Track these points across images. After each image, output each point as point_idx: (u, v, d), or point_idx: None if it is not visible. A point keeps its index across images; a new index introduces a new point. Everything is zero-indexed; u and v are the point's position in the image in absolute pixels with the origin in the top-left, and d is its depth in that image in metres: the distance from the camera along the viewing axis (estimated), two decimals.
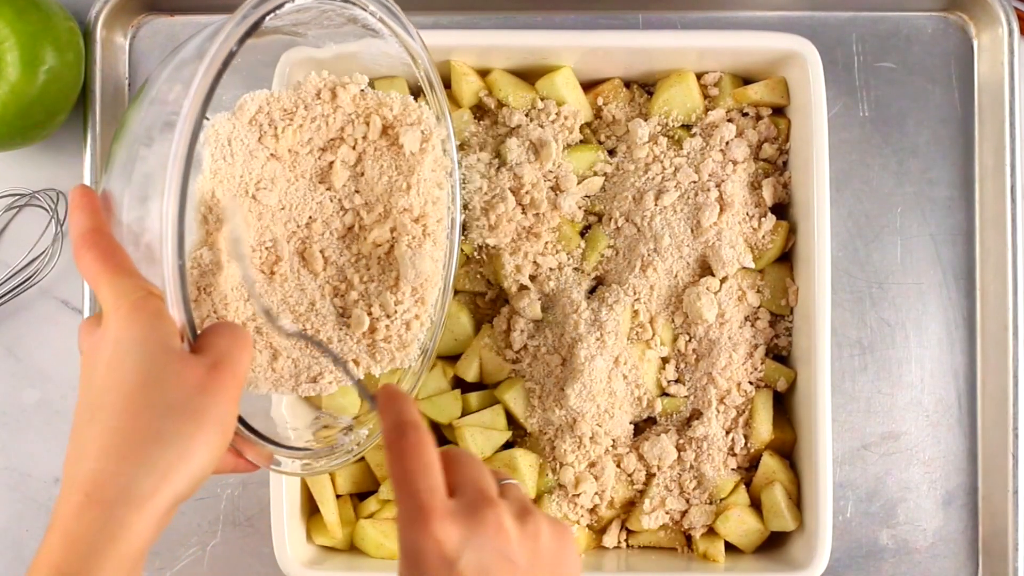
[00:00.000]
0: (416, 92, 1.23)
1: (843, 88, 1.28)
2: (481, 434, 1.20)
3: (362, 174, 1.12)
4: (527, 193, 1.20)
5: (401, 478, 0.89)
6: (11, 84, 1.18)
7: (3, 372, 1.31)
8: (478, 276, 1.23)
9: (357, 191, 1.12)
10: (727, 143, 1.22)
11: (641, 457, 1.22)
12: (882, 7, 1.29)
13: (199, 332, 0.91)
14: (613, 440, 1.22)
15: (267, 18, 0.92)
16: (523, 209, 1.21)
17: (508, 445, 1.22)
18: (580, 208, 1.21)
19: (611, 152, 1.22)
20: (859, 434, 1.28)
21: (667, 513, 1.21)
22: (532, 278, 1.21)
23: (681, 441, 1.21)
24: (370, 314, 1.11)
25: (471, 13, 1.30)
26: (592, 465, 1.21)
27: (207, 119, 1.00)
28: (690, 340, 1.21)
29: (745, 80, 1.24)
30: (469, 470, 0.92)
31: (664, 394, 1.22)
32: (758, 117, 1.24)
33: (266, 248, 1.06)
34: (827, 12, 1.29)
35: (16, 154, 1.31)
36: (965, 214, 1.29)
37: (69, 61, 1.22)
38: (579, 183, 1.21)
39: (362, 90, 1.11)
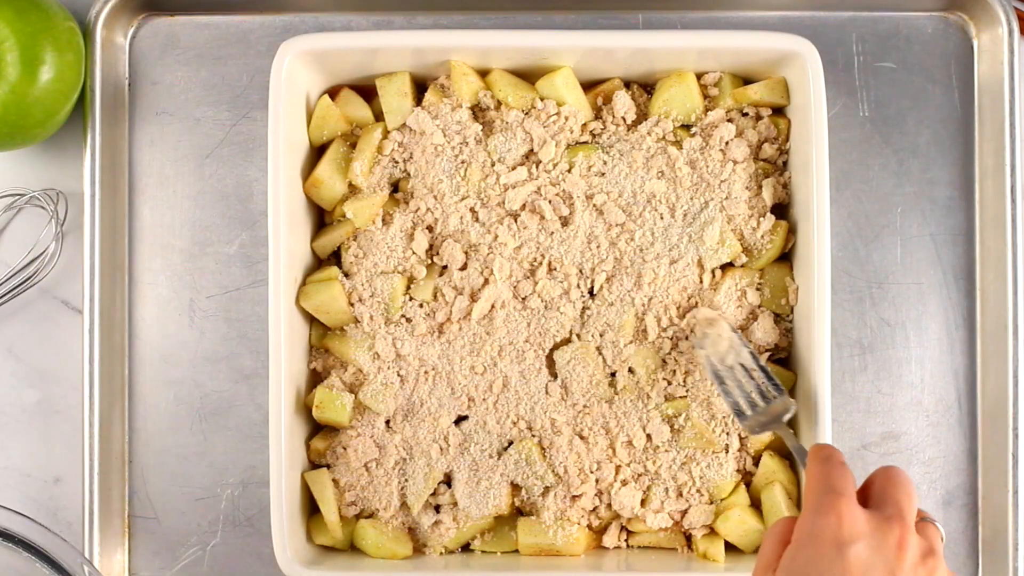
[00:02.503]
0: (420, 86, 1.24)
1: (843, 88, 1.28)
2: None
3: None
4: (527, 193, 1.21)
5: (819, 478, 0.97)
6: (11, 84, 1.18)
7: (3, 372, 1.31)
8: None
9: None
10: (727, 143, 1.22)
11: (642, 457, 1.22)
12: (882, 7, 1.29)
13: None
14: (612, 440, 1.22)
15: None
16: (523, 208, 1.22)
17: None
18: (579, 208, 1.21)
19: (610, 152, 1.22)
20: (859, 434, 1.28)
21: (667, 513, 1.21)
22: (532, 277, 1.21)
23: (682, 441, 1.21)
24: None
25: (471, 13, 1.29)
26: (592, 465, 1.21)
27: None
28: (690, 340, 1.21)
29: (745, 80, 1.24)
30: (898, 489, 0.97)
31: (666, 396, 1.22)
32: (758, 117, 1.23)
33: None
34: (827, 12, 1.29)
35: (16, 154, 1.31)
36: (965, 214, 1.29)
37: (69, 61, 1.22)
38: (578, 183, 1.21)
39: None
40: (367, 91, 1.25)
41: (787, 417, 1.17)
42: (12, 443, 1.31)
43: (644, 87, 1.25)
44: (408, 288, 1.22)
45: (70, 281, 1.30)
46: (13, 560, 1.20)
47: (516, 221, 1.22)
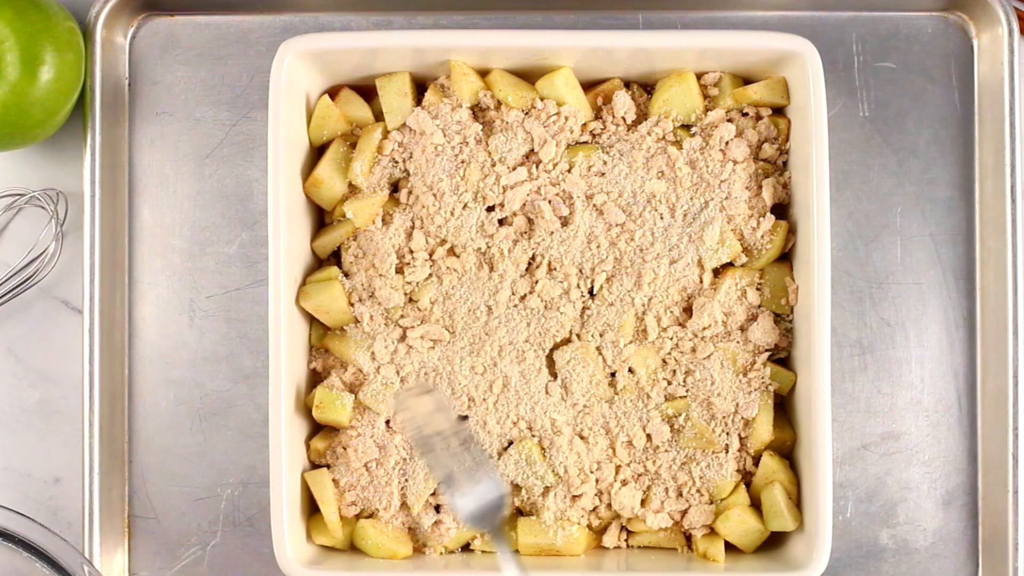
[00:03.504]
0: (420, 86, 1.24)
1: (843, 88, 1.28)
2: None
3: None
4: (527, 193, 1.21)
5: None
6: (11, 84, 1.18)
7: (3, 372, 1.31)
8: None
9: None
10: (727, 143, 1.22)
11: (642, 457, 1.22)
12: (882, 7, 1.29)
13: None
14: (612, 440, 1.22)
15: None
16: (522, 208, 1.22)
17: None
18: (579, 208, 1.21)
19: (610, 152, 1.22)
20: (859, 434, 1.28)
21: (667, 513, 1.21)
22: (531, 277, 1.21)
23: (682, 441, 1.21)
24: None
25: (471, 13, 1.29)
26: (592, 465, 1.21)
27: None
28: (691, 340, 1.21)
29: (745, 80, 1.24)
30: None
31: (666, 396, 1.22)
32: (758, 117, 1.23)
33: None
34: (827, 12, 1.29)
35: (16, 154, 1.31)
36: (965, 214, 1.29)
37: (69, 61, 1.22)
38: (578, 183, 1.21)
39: None
40: (367, 91, 1.25)
41: (504, 513, 1.16)
42: (12, 443, 1.31)
43: (644, 87, 1.25)
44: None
45: (70, 281, 1.30)
46: (13, 560, 1.21)
47: (516, 221, 1.22)
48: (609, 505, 1.22)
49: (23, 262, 1.29)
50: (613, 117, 1.23)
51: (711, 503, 1.21)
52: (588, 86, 1.24)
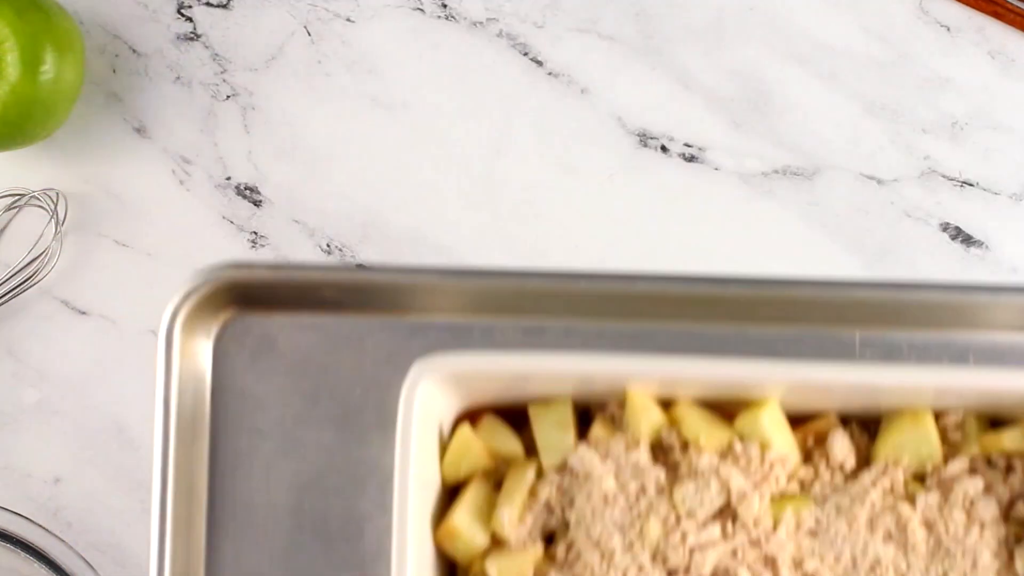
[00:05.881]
0: (584, 412, 1.03)
1: None
2: None
3: None
4: (719, 555, 0.99)
5: None
6: (11, 84, 1.21)
7: (3, 372, 1.33)
8: None
9: None
10: (971, 501, 0.99)
11: None
12: None
13: None
14: None
15: None
16: (712, 574, 0.99)
17: None
18: None
19: (824, 507, 1.00)
20: None
21: None
22: None
23: None
24: None
25: (648, 321, 1.02)
26: None
27: None
28: None
29: (993, 421, 1.02)
30: None
31: None
32: (1008, 468, 1.01)
33: None
34: None
35: (16, 154, 1.33)
36: None
37: (69, 61, 1.25)
38: (785, 544, 0.99)
39: None
40: (516, 414, 1.03)
41: None
42: (12, 443, 1.32)
43: (865, 426, 1.03)
44: None
45: (70, 281, 1.32)
46: (13, 560, 1.24)
47: None
48: None
49: (23, 262, 1.31)
50: (828, 463, 1.01)
51: None
52: (795, 420, 1.02)
